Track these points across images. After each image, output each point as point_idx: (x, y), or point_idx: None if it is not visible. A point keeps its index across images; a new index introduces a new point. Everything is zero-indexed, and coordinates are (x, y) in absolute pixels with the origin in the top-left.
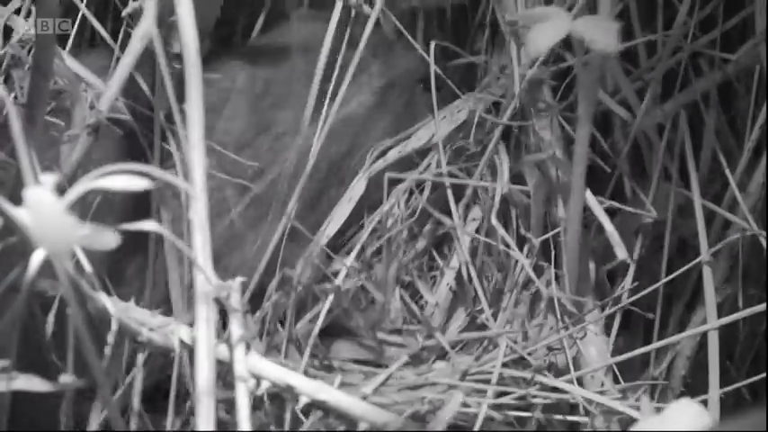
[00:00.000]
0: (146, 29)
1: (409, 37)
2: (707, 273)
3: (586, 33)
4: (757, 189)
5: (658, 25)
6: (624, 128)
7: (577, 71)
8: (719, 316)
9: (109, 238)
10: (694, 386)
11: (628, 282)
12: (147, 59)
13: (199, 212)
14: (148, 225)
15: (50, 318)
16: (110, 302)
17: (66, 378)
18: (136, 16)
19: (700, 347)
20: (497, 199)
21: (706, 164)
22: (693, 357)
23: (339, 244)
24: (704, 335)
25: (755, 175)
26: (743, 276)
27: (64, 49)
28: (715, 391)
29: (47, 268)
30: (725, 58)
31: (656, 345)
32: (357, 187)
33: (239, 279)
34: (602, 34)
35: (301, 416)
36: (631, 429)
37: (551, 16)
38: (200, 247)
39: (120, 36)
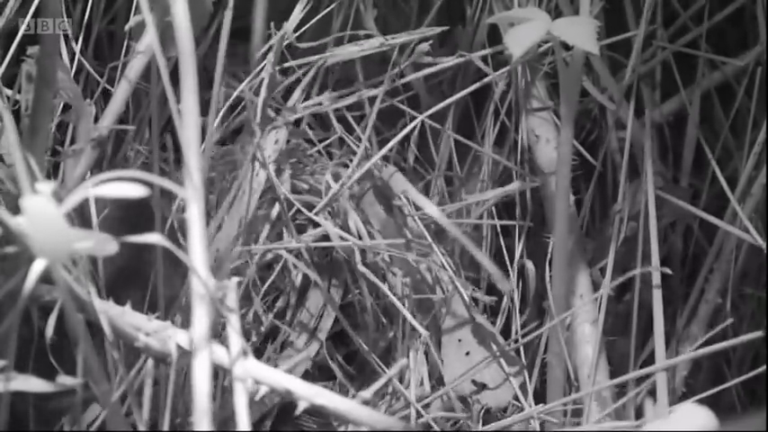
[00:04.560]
0: (148, 44)
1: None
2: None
3: (565, 33)
4: (759, 190)
5: (656, 20)
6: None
7: (559, 71)
8: (718, 318)
9: (109, 246)
10: (695, 387)
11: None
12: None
13: (195, 213)
14: (152, 237)
15: (51, 321)
16: (104, 307)
17: (64, 379)
18: (137, 29)
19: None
20: None
21: (688, 165)
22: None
23: None
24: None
25: (758, 177)
26: (741, 276)
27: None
28: None
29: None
30: (712, 58)
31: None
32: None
33: (235, 279)
34: (580, 34)
35: None
36: (640, 430)
37: (531, 17)
38: (196, 248)
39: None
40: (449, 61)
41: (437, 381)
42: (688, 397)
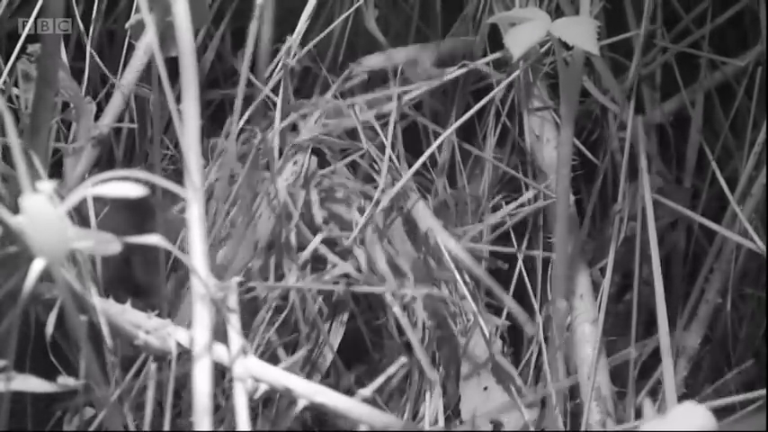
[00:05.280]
0: (148, 43)
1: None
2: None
3: (565, 33)
4: (759, 190)
5: (657, 20)
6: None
7: (559, 71)
8: (718, 319)
9: (112, 245)
10: (694, 387)
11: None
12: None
13: (195, 213)
14: (152, 239)
15: (51, 319)
16: (104, 305)
17: (65, 379)
18: (137, 28)
19: (701, 347)
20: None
21: (692, 165)
22: (695, 356)
23: None
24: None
25: (758, 177)
26: (741, 276)
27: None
28: None
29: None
30: (713, 58)
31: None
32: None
33: (236, 279)
34: (580, 34)
35: None
36: (637, 430)
37: (531, 17)
38: (196, 248)
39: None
40: (453, 71)
41: (453, 411)
42: (688, 397)
